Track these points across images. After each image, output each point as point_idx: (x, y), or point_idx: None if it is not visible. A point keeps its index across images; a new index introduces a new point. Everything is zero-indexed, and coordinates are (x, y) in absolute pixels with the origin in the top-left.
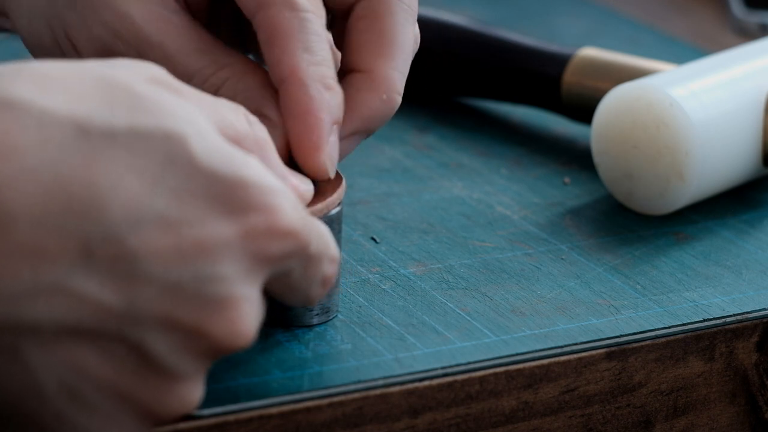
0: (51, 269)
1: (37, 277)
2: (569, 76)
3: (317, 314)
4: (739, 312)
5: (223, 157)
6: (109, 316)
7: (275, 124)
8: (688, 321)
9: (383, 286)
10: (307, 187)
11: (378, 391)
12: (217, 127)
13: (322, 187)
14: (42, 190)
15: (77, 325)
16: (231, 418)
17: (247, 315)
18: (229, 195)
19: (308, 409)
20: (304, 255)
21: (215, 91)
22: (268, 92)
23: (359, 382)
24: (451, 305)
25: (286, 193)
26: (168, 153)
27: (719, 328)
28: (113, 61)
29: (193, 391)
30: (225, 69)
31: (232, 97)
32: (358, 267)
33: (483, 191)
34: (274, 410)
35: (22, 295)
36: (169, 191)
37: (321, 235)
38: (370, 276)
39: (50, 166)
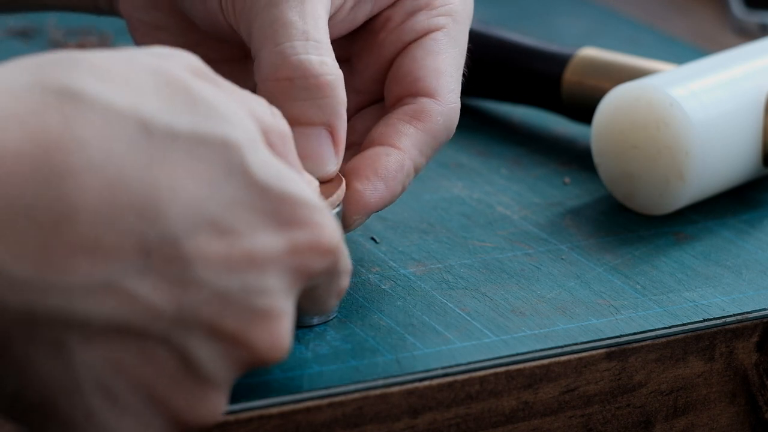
0: (108, 266)
1: (93, 274)
2: (569, 76)
3: (317, 315)
4: (739, 312)
5: (274, 171)
6: (158, 318)
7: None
8: (688, 321)
9: (383, 286)
10: (313, 186)
11: (378, 391)
12: (255, 122)
13: (323, 188)
14: (105, 185)
15: (125, 324)
16: (231, 418)
17: (286, 329)
18: (278, 209)
19: (308, 409)
20: (334, 271)
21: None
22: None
23: (359, 382)
24: (451, 305)
25: (326, 210)
26: (226, 162)
27: (719, 328)
28: (153, 49)
29: (222, 401)
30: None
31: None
32: (358, 267)
33: (483, 191)
34: (274, 410)
35: (77, 291)
36: (225, 199)
37: (345, 250)
38: (370, 276)
39: (114, 161)
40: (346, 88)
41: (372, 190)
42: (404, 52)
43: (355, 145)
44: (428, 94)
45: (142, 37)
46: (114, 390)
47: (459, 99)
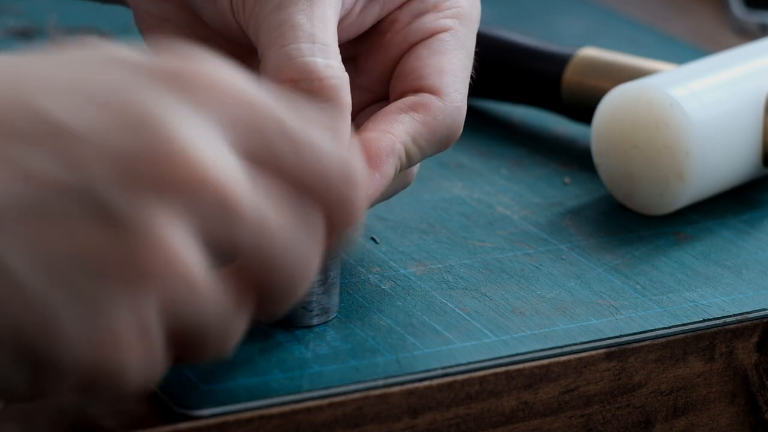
0: None
1: None
2: (569, 76)
3: (317, 315)
4: (739, 312)
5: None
6: (62, 187)
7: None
8: (688, 321)
9: (383, 286)
10: None
11: (378, 391)
12: None
13: None
14: None
15: (33, 202)
16: (231, 418)
17: (194, 144)
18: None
19: (308, 409)
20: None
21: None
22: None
23: (359, 382)
24: (451, 305)
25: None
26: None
27: (719, 328)
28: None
29: (167, 237)
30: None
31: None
32: (358, 267)
33: (483, 191)
34: (274, 410)
35: None
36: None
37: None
38: (370, 276)
39: None
40: (351, 85)
41: (367, 182)
42: (410, 52)
43: None
44: (431, 91)
45: (148, 29)
46: (56, 275)
47: (464, 100)
